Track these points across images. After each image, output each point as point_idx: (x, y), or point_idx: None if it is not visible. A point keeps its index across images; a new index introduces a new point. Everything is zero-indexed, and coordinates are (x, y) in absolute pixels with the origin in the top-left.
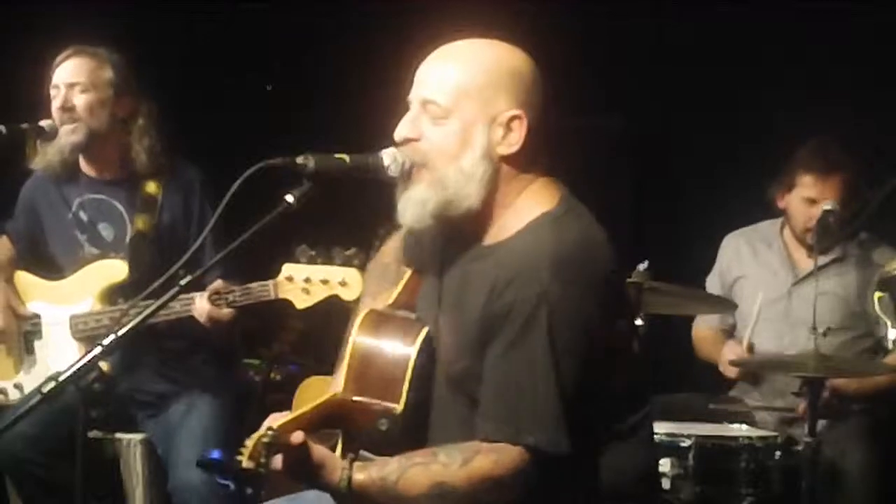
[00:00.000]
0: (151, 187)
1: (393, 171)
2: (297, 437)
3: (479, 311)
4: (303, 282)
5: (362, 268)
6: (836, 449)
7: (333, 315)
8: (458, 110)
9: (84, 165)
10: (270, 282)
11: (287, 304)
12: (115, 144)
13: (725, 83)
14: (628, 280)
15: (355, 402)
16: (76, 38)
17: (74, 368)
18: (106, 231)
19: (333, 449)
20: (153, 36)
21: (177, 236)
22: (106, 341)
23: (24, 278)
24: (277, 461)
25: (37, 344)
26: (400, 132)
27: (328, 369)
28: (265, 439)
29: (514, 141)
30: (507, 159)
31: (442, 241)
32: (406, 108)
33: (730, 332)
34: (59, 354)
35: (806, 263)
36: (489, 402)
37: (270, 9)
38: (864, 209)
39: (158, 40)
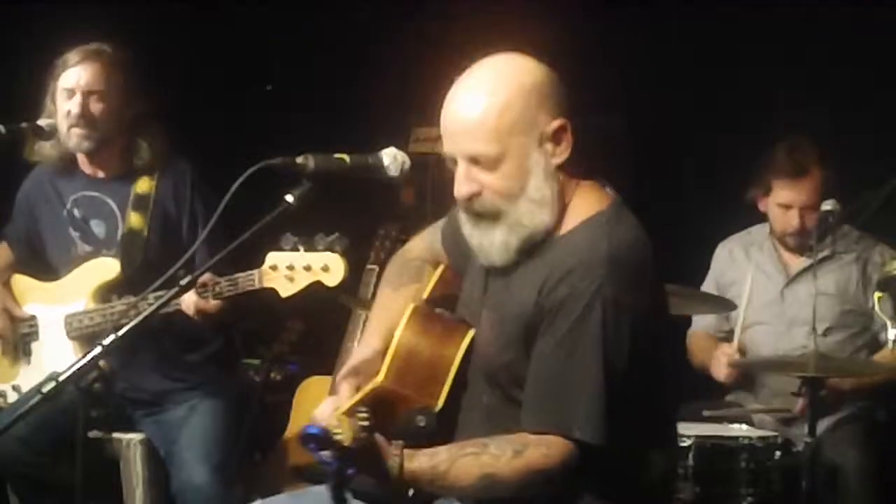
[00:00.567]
0: (144, 184)
1: (392, 171)
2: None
3: (529, 306)
4: (286, 269)
5: (344, 253)
6: (836, 449)
7: (333, 315)
8: (508, 150)
9: (82, 163)
10: (255, 271)
11: (273, 293)
12: (118, 145)
13: (726, 83)
14: None
15: (397, 392)
16: (76, 36)
17: (75, 368)
18: (98, 228)
19: None
20: (153, 35)
21: (169, 233)
22: (106, 341)
23: (20, 281)
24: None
25: (34, 345)
26: (460, 192)
27: (328, 369)
28: (364, 422)
29: (564, 149)
30: (558, 168)
31: None
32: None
33: (726, 338)
34: (56, 355)
35: (796, 264)
36: (537, 394)
37: (270, 9)
38: (864, 209)
39: (158, 40)
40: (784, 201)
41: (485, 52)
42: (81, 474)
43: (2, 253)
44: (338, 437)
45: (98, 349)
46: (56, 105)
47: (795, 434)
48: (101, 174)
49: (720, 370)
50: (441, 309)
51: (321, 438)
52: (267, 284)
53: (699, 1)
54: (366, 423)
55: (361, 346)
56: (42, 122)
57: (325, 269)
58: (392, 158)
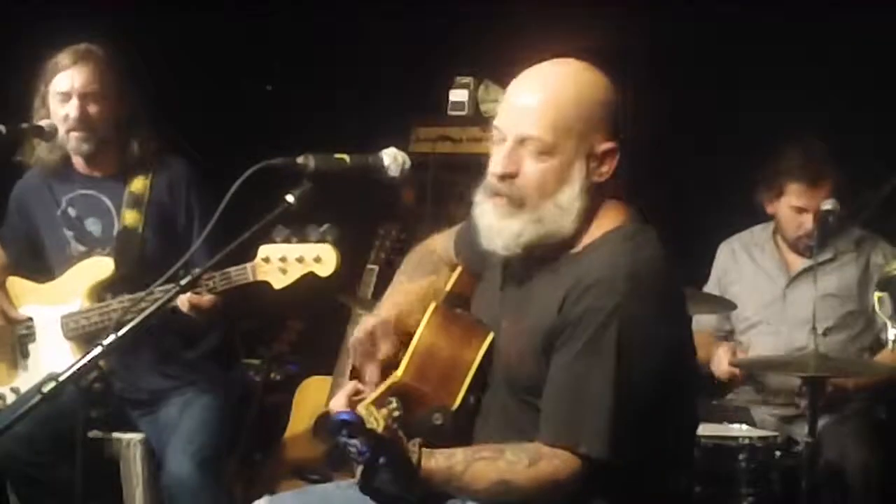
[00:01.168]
0: (139, 182)
1: (393, 171)
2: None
3: (550, 319)
4: (279, 261)
5: (336, 243)
6: (836, 449)
7: (333, 315)
8: (560, 147)
9: (77, 162)
10: (248, 264)
11: (266, 286)
12: (113, 144)
13: (726, 84)
14: None
15: (416, 389)
16: (75, 36)
17: (75, 368)
18: (94, 226)
19: None
20: (153, 35)
21: (165, 231)
22: (106, 341)
23: (15, 283)
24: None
25: (31, 347)
26: (497, 167)
27: (328, 369)
28: (395, 413)
29: (605, 171)
30: (594, 186)
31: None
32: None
33: (726, 337)
34: (53, 355)
35: (797, 264)
36: (551, 407)
37: (271, 9)
38: (865, 209)
39: (158, 40)
40: (800, 205)
41: (485, 52)
42: (81, 474)
43: None
44: (371, 425)
45: (98, 349)
46: (49, 109)
47: (796, 433)
48: (96, 173)
49: (721, 368)
50: (461, 310)
51: (354, 425)
52: (260, 277)
53: (700, 1)
54: (397, 414)
55: (339, 362)
56: (43, 123)
57: (318, 259)
58: (392, 158)
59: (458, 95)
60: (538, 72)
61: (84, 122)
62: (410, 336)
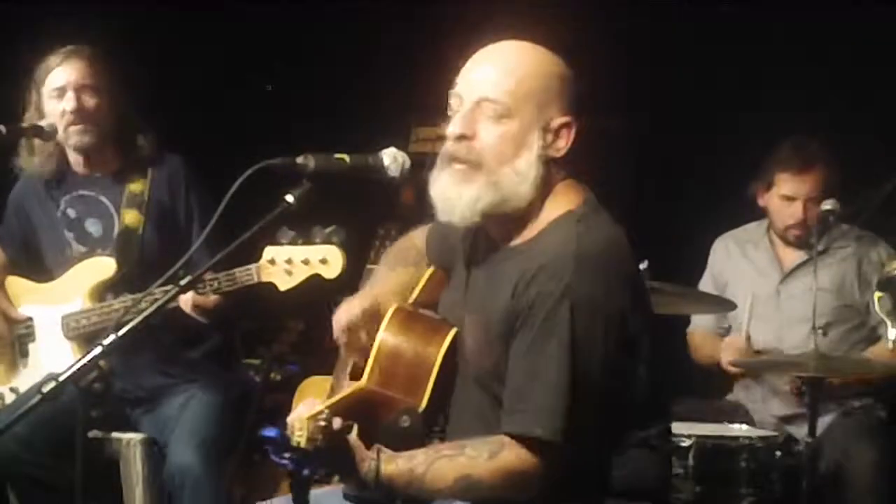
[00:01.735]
0: (138, 182)
1: (393, 171)
2: (338, 422)
3: (504, 307)
4: (285, 263)
5: (342, 245)
6: (837, 448)
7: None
8: (518, 111)
9: (75, 163)
10: (253, 266)
11: (271, 287)
12: (111, 143)
13: (725, 83)
14: None
15: (381, 394)
16: (73, 37)
17: (75, 368)
18: (93, 227)
19: None
20: (153, 35)
21: (165, 230)
22: (106, 341)
23: (14, 283)
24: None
25: (31, 347)
26: (454, 129)
27: (328, 369)
28: (321, 422)
29: (562, 146)
30: (550, 161)
31: (470, 240)
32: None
33: (725, 335)
34: (54, 355)
35: (791, 261)
36: (510, 397)
37: (270, 8)
38: (865, 209)
39: (158, 40)
40: (788, 193)
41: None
42: (81, 474)
43: None
44: (295, 440)
45: (98, 349)
46: (45, 111)
47: (796, 433)
48: (94, 173)
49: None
50: (424, 309)
51: (276, 441)
52: (265, 279)
53: (701, 1)
54: (323, 424)
55: (339, 361)
56: (43, 122)
57: (324, 261)
58: (392, 158)
59: None
60: (497, 46)
61: (82, 114)
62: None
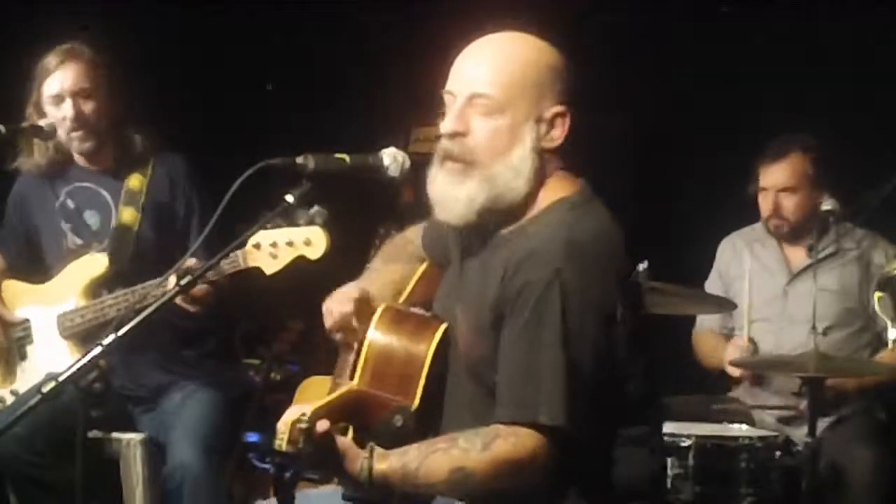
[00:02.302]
0: (136, 180)
1: (393, 171)
2: (323, 424)
3: (495, 294)
4: (269, 247)
5: (325, 226)
6: (837, 449)
7: None
8: (510, 105)
9: (77, 157)
10: (239, 252)
11: (258, 271)
12: (111, 140)
13: (726, 83)
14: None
15: (373, 395)
16: (73, 36)
17: (75, 368)
18: (92, 219)
19: None
20: (153, 35)
21: (163, 227)
22: (106, 340)
23: (10, 286)
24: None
25: (29, 349)
26: (447, 126)
27: (328, 369)
28: (302, 424)
29: (557, 136)
30: (545, 152)
31: (466, 234)
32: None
33: (730, 335)
34: (51, 356)
35: (799, 261)
36: (504, 386)
37: (271, 8)
38: (865, 209)
39: (158, 40)
40: (763, 184)
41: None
42: (81, 474)
43: None
44: (276, 443)
45: (98, 349)
46: (44, 113)
47: (796, 434)
48: (94, 166)
49: (734, 368)
50: (408, 303)
51: (258, 446)
52: (251, 264)
53: (701, 1)
54: (304, 426)
55: (339, 361)
56: (42, 122)
57: (308, 242)
58: (392, 158)
59: None
60: (487, 39)
61: (81, 121)
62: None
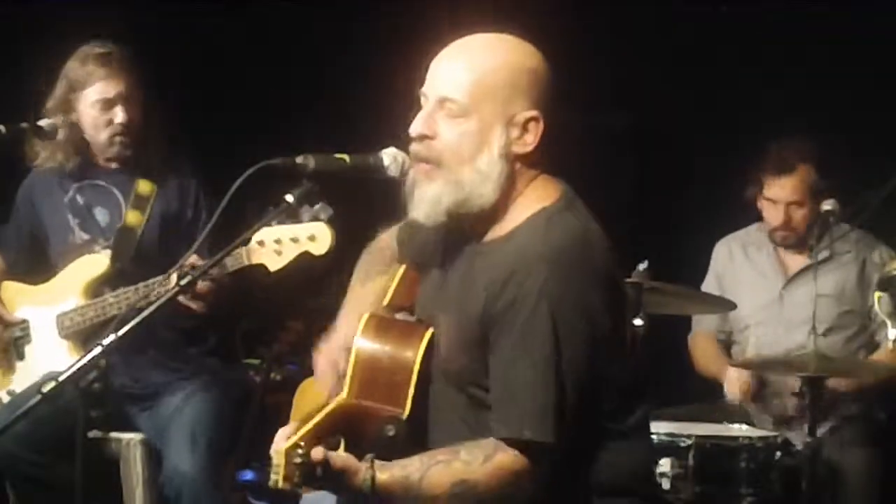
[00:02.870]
0: (146, 184)
1: (393, 171)
2: (318, 453)
3: (478, 309)
4: (274, 243)
5: (330, 222)
6: (836, 449)
7: (333, 315)
8: (477, 110)
9: (92, 154)
10: (242, 249)
11: (261, 269)
12: (143, 147)
13: (726, 83)
14: (627, 280)
15: (363, 407)
16: (75, 36)
17: (75, 368)
18: (101, 215)
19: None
20: (153, 35)
21: (168, 233)
22: (106, 341)
23: (9, 287)
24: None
25: (27, 349)
26: (415, 128)
27: None
28: (297, 459)
29: (530, 141)
30: (518, 157)
31: (444, 237)
32: (412, 103)
33: (727, 340)
34: (50, 356)
35: (794, 264)
36: (499, 403)
37: (271, 9)
38: (865, 209)
39: (158, 39)
40: (771, 196)
41: None
42: (81, 474)
43: None
44: (272, 479)
45: (98, 349)
46: (73, 110)
47: (795, 434)
48: (107, 165)
49: (734, 391)
50: (400, 313)
51: (253, 485)
52: (255, 261)
53: (703, 2)
54: (299, 461)
55: (340, 331)
56: (43, 122)
57: (312, 238)
58: (392, 158)
59: None
60: (465, 40)
61: (129, 127)
62: None
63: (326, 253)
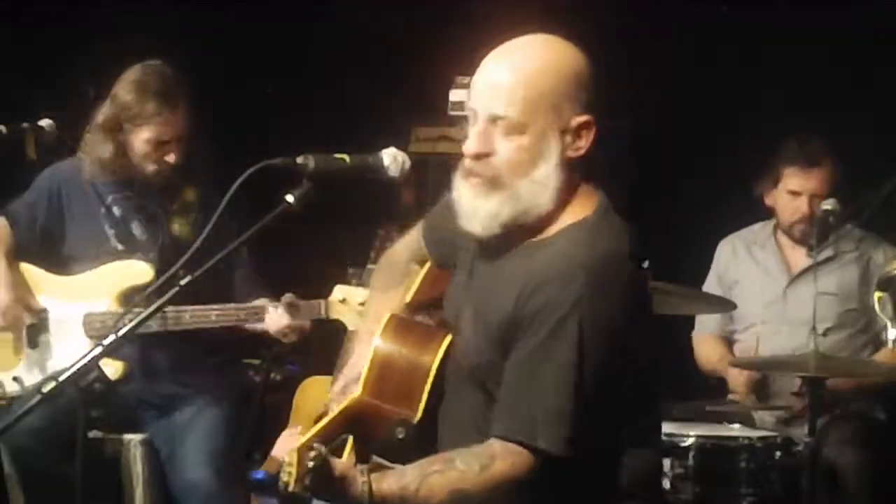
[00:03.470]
0: (190, 194)
1: (393, 171)
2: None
3: (509, 311)
4: (358, 305)
5: None
6: (836, 449)
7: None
8: (532, 123)
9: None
10: (322, 301)
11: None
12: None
13: (726, 83)
14: None
15: (376, 406)
16: (77, 38)
17: (75, 368)
18: (138, 230)
19: (338, 451)
20: (153, 35)
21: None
22: (106, 341)
23: (30, 271)
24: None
25: (42, 338)
26: (471, 147)
27: (328, 369)
28: (311, 463)
29: (583, 145)
30: (570, 162)
31: (486, 238)
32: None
33: (729, 339)
34: (69, 351)
35: (799, 264)
36: (508, 402)
37: (271, 9)
38: (865, 209)
39: (158, 39)
40: (794, 188)
41: (486, 52)
42: (81, 474)
43: (3, 232)
44: (283, 480)
45: (98, 349)
46: (120, 128)
47: (795, 434)
48: (147, 178)
49: (739, 389)
50: (421, 315)
51: (263, 484)
52: (333, 315)
53: (703, 2)
54: (312, 464)
55: (353, 361)
56: (43, 122)
57: None
58: (392, 158)
59: (458, 95)
60: (508, 48)
61: (179, 164)
62: None
63: None
